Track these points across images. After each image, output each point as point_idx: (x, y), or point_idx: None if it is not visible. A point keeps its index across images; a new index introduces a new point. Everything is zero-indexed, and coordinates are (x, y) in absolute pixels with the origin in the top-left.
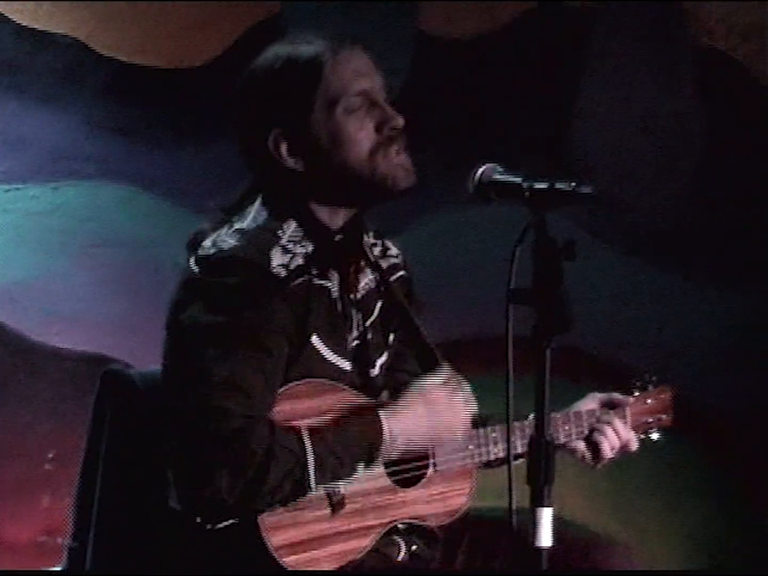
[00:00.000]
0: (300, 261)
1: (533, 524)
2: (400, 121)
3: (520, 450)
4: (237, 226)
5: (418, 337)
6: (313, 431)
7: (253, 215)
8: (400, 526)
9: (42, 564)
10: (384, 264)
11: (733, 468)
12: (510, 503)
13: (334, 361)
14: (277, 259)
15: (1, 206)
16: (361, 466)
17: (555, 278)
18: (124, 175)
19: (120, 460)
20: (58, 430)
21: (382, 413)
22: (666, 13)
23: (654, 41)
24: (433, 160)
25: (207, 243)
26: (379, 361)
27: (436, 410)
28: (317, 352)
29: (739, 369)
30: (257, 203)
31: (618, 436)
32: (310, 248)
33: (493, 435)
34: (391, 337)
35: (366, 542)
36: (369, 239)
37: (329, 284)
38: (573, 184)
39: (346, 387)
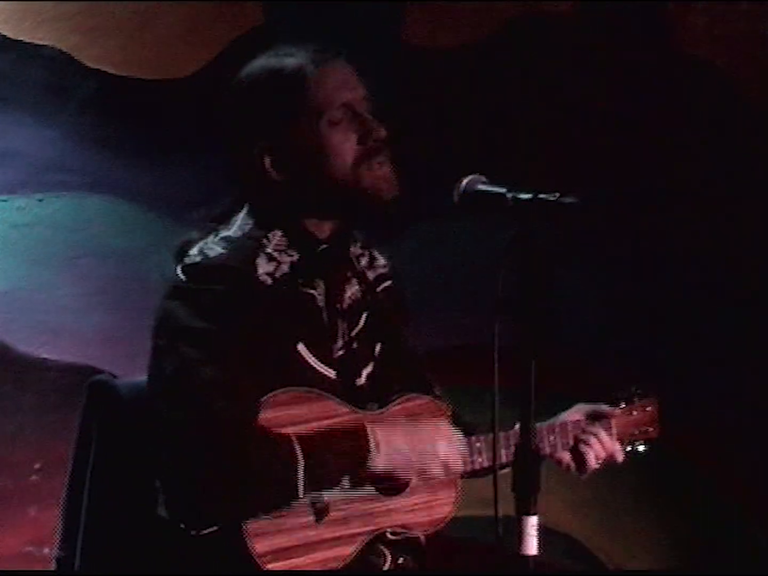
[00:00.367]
0: (286, 269)
1: (519, 533)
2: (382, 133)
3: (504, 459)
4: (223, 234)
5: (404, 348)
6: (303, 439)
7: (239, 224)
8: (389, 535)
9: None
10: (371, 275)
11: (718, 478)
12: (495, 512)
13: (319, 369)
14: (263, 267)
15: None
16: (346, 479)
17: (541, 290)
18: (109, 186)
19: (107, 469)
20: (44, 440)
21: (369, 429)
22: (648, 22)
23: (636, 50)
24: (418, 170)
25: (193, 251)
26: (365, 371)
27: (420, 434)
28: (303, 359)
29: (726, 380)
30: (243, 212)
31: (603, 447)
32: (296, 257)
33: (477, 445)
34: (378, 347)
35: (350, 550)
36: (356, 249)
37: (315, 293)
38: (557, 194)
39: (330, 396)
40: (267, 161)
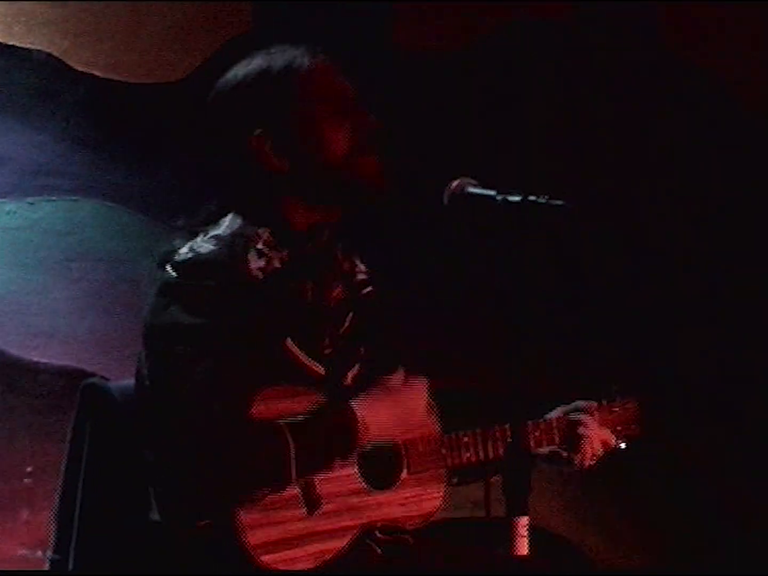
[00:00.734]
0: (277, 265)
1: (510, 534)
2: (374, 122)
3: (492, 454)
4: (213, 233)
5: (389, 351)
6: (293, 426)
7: (228, 223)
8: (378, 534)
9: None
10: (354, 279)
11: (708, 476)
12: (487, 513)
13: (309, 365)
14: (254, 262)
15: None
16: (338, 459)
17: (530, 290)
18: (100, 190)
19: (100, 472)
20: (36, 444)
21: (353, 404)
22: (641, 24)
23: (629, 53)
24: (408, 173)
25: (184, 249)
26: (351, 373)
27: (400, 397)
28: (292, 355)
29: (716, 378)
30: (231, 213)
31: (594, 430)
32: (285, 253)
33: (465, 440)
34: (363, 349)
35: (343, 543)
36: (339, 255)
37: (304, 289)
38: (546, 196)
39: (318, 392)
40: (267, 148)
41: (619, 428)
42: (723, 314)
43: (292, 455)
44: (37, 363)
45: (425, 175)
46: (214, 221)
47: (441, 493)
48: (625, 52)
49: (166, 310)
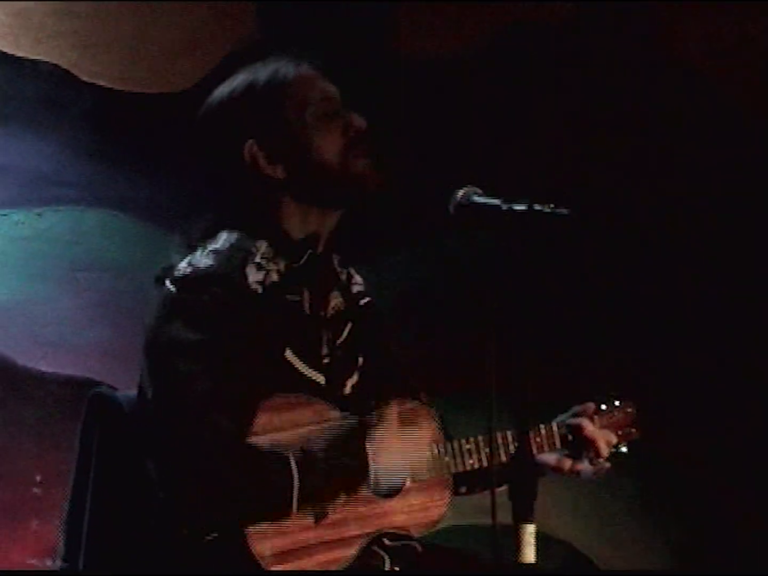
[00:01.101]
0: (275, 277)
1: (517, 541)
2: (363, 123)
3: (494, 461)
4: (211, 247)
5: (388, 359)
6: (301, 460)
7: (225, 237)
8: (386, 541)
9: None
10: (352, 289)
11: (716, 485)
12: (493, 520)
13: (308, 375)
14: (253, 275)
15: None
16: (342, 496)
17: (531, 298)
18: (107, 200)
19: (108, 481)
20: (44, 453)
21: (368, 448)
22: (641, 30)
23: (629, 59)
24: (411, 183)
25: (182, 264)
26: (350, 382)
27: (412, 441)
28: (292, 366)
29: (717, 389)
30: (228, 227)
31: (595, 429)
32: (282, 265)
33: (467, 447)
34: (361, 359)
35: (351, 552)
36: (335, 266)
37: (301, 300)
38: (551, 205)
39: (321, 400)
40: (260, 157)
41: (619, 432)
42: (724, 318)
43: (296, 494)
44: (44, 372)
45: (430, 183)
46: (212, 235)
47: (446, 500)
48: (626, 54)
49: (167, 325)
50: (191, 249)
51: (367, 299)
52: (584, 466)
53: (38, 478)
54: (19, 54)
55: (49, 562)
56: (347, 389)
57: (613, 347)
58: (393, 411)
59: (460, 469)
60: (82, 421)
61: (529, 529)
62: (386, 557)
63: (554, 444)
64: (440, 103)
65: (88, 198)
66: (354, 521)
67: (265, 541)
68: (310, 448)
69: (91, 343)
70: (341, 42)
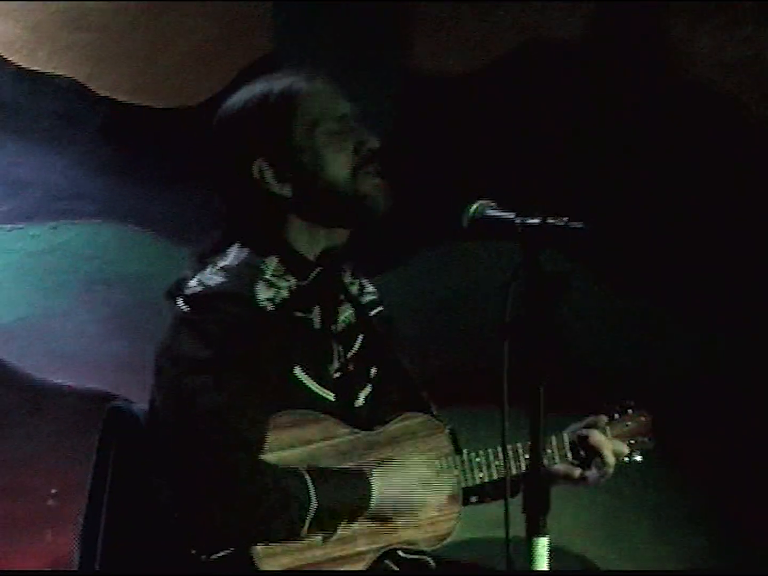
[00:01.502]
0: (285, 294)
1: (530, 554)
2: (375, 143)
3: (515, 471)
4: (221, 264)
5: (400, 371)
6: (317, 481)
7: (235, 253)
8: (400, 553)
9: None
10: (363, 300)
11: (728, 495)
12: (506, 533)
13: (317, 392)
14: (263, 293)
15: (2, 246)
16: (343, 524)
17: (547, 316)
18: (123, 214)
19: (124, 493)
20: (60, 466)
21: (372, 480)
22: (654, 47)
23: (643, 75)
24: (425, 196)
25: (192, 282)
26: (363, 393)
27: (422, 486)
28: (300, 383)
29: (727, 396)
30: (237, 244)
31: (603, 439)
32: (293, 282)
33: (477, 460)
34: (374, 370)
35: (359, 567)
36: (346, 278)
37: (311, 316)
38: (565, 219)
39: (329, 417)
40: (268, 176)
41: (632, 442)
42: (739, 323)
43: (310, 515)
44: (61, 386)
45: (444, 197)
46: (222, 250)
47: (456, 514)
48: (637, 71)
49: (178, 343)
50: (201, 265)
51: (378, 309)
52: (591, 473)
53: (54, 490)
54: (35, 68)
55: None
56: (360, 401)
57: (627, 353)
58: (399, 425)
59: (470, 483)
60: (98, 434)
61: (543, 542)
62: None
63: (565, 455)
64: (450, 118)
65: (104, 212)
66: (362, 537)
67: (272, 560)
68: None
69: (108, 357)
70: (354, 57)
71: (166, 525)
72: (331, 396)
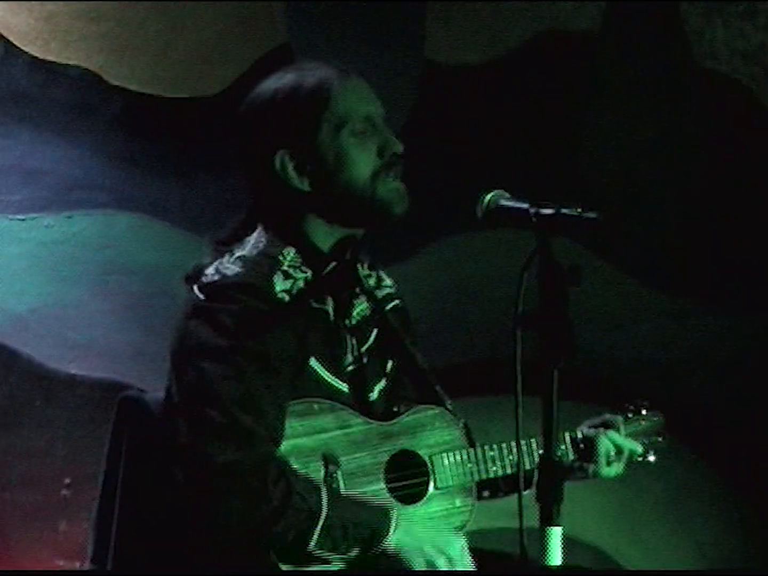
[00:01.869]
0: (301, 285)
1: (543, 543)
2: (400, 148)
3: (528, 466)
4: (238, 253)
5: (415, 365)
6: (331, 494)
7: (253, 243)
8: None
9: None
10: (379, 294)
11: (743, 487)
12: (520, 524)
13: (332, 383)
14: (280, 284)
15: (17, 236)
16: (355, 551)
17: (560, 303)
18: (137, 203)
19: (138, 483)
20: (73, 456)
21: (396, 511)
22: (669, 37)
23: (658, 65)
24: (441, 186)
25: (210, 271)
26: (378, 387)
27: (439, 530)
28: (316, 374)
29: (743, 387)
30: (256, 232)
31: (609, 437)
32: (309, 273)
33: (491, 453)
34: (389, 364)
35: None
36: (363, 270)
37: (327, 308)
38: (579, 209)
39: (344, 407)
40: (289, 168)
41: (645, 441)
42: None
43: (317, 528)
44: (74, 375)
45: (458, 187)
46: (240, 238)
47: (469, 507)
48: (653, 61)
49: (195, 332)
50: (220, 252)
51: (395, 302)
52: (593, 468)
53: (67, 480)
54: (49, 58)
55: (77, 564)
56: (374, 394)
57: (649, 344)
58: (413, 417)
59: (483, 476)
60: (111, 423)
61: (556, 532)
62: None
63: (577, 451)
64: (466, 108)
65: (118, 202)
66: None
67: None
68: (333, 458)
69: (121, 347)
70: (369, 48)
71: (178, 513)
72: (345, 387)
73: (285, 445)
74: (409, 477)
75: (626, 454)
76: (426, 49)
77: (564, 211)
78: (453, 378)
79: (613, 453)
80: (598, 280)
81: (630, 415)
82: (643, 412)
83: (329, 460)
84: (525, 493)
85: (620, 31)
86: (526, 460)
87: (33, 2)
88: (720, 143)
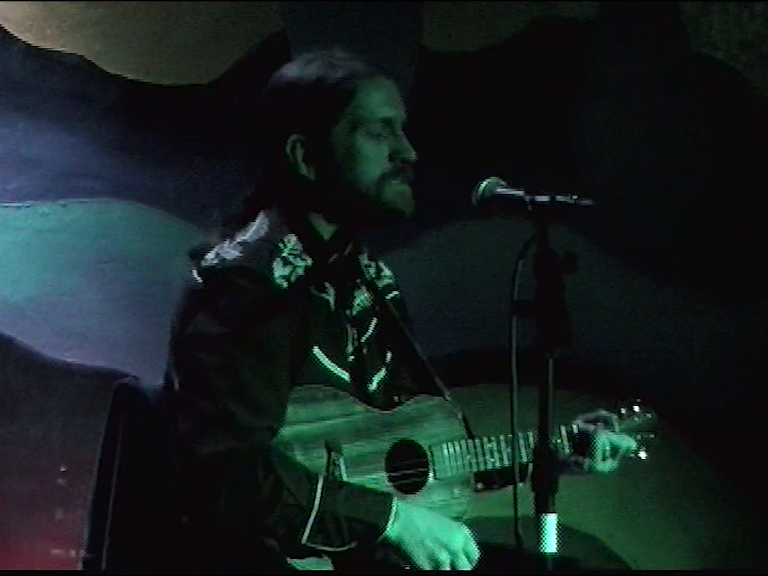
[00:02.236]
0: (301, 273)
1: (538, 531)
2: (413, 155)
3: (525, 459)
4: (239, 238)
5: (414, 356)
6: (327, 487)
7: (255, 228)
8: None
9: None
10: (379, 284)
11: (738, 479)
12: (515, 512)
13: (335, 372)
14: (279, 270)
15: (12, 224)
16: (352, 544)
17: (557, 291)
18: (132, 192)
19: (133, 472)
20: (70, 444)
21: (395, 503)
22: (666, 24)
23: (654, 52)
24: (436, 174)
25: (210, 255)
26: (377, 378)
27: (440, 522)
28: (319, 362)
29: (740, 381)
30: (259, 218)
31: (603, 433)
32: (309, 261)
33: (489, 445)
34: (389, 355)
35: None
36: (363, 260)
37: (328, 297)
38: (574, 197)
39: (347, 395)
40: (299, 154)
41: (638, 437)
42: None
43: (309, 522)
44: (70, 364)
45: (453, 175)
46: (243, 222)
47: (468, 497)
48: (649, 48)
49: (193, 318)
50: (226, 234)
51: (394, 293)
52: (587, 463)
53: (63, 468)
54: (45, 46)
55: (73, 553)
56: (373, 385)
57: (648, 339)
58: (413, 407)
59: (482, 467)
60: (107, 412)
61: (551, 519)
62: None
63: (574, 445)
64: (462, 96)
65: (114, 190)
66: None
67: None
68: (334, 446)
69: (117, 335)
70: (365, 35)
71: (174, 502)
72: (346, 377)
73: (288, 431)
74: (409, 467)
75: (622, 451)
76: (422, 37)
77: (559, 198)
78: (447, 367)
79: (609, 450)
80: (595, 271)
81: (623, 411)
82: (636, 408)
83: (332, 448)
84: (519, 485)
85: (616, 18)
86: (523, 453)
87: None
88: (716, 130)
